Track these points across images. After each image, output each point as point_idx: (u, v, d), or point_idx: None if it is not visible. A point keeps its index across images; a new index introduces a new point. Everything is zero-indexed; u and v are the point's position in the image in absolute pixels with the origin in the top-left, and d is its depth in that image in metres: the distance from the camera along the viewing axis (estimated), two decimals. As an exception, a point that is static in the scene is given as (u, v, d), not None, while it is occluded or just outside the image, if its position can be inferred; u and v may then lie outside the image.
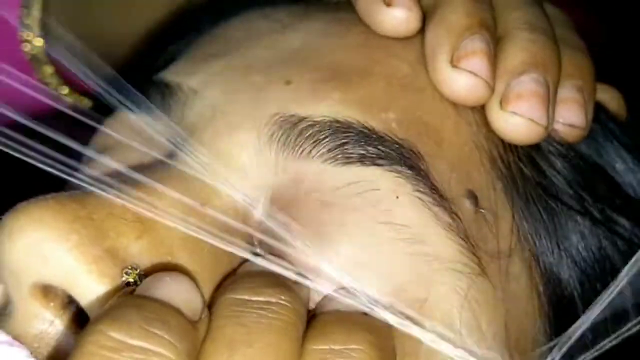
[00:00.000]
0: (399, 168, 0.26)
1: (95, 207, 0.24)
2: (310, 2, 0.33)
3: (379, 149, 0.26)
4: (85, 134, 0.33)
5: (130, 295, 0.23)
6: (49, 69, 0.44)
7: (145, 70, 0.32)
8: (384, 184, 0.26)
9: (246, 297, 0.23)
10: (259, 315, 0.22)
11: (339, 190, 0.26)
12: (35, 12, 0.42)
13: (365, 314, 0.24)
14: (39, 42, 0.43)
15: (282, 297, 0.23)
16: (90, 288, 0.23)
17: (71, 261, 0.23)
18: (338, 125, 0.26)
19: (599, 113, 0.33)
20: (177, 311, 0.22)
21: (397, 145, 0.26)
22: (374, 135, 0.26)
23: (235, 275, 0.25)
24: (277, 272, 0.25)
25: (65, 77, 0.44)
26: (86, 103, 0.45)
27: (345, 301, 0.25)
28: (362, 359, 0.22)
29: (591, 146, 0.31)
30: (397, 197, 0.26)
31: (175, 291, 0.22)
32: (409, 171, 0.26)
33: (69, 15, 0.43)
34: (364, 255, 0.25)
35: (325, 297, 0.25)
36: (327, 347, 0.22)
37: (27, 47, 0.43)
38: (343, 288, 0.25)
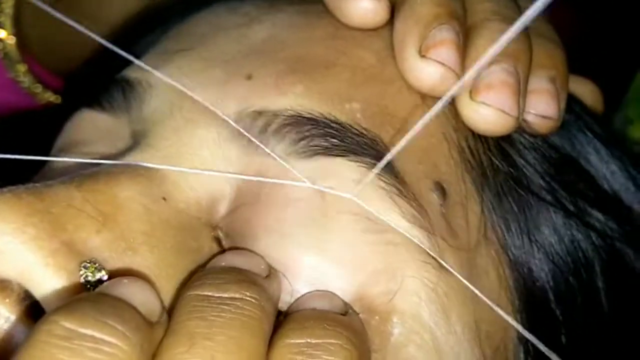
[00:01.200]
0: (363, 158, 0.25)
1: (54, 200, 0.24)
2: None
3: (342, 141, 0.26)
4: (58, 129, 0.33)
5: (87, 292, 0.22)
6: (22, 67, 0.43)
7: (111, 66, 0.31)
8: (348, 174, 0.25)
9: (210, 294, 0.22)
10: (221, 310, 0.22)
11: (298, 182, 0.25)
12: (8, 9, 0.42)
13: (342, 314, 0.24)
14: (11, 40, 0.42)
15: (247, 294, 0.22)
16: (46, 282, 0.23)
17: (27, 255, 0.23)
18: (300, 118, 0.26)
19: (574, 105, 0.33)
20: (132, 307, 0.21)
21: (360, 136, 0.26)
22: (338, 126, 0.26)
23: (201, 272, 0.25)
24: (244, 267, 0.24)
25: (37, 75, 0.44)
26: (59, 100, 0.44)
27: (320, 301, 0.24)
28: (339, 353, 0.22)
29: (565, 138, 0.31)
30: (361, 187, 0.25)
31: (132, 292, 0.22)
32: (373, 161, 0.25)
33: (41, 13, 0.43)
34: (331, 247, 0.25)
35: (301, 298, 0.25)
36: (304, 340, 0.22)
37: (-1, 46, 0.42)
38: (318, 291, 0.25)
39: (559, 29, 0.32)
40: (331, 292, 0.25)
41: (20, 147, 0.38)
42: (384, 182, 0.25)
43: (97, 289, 0.23)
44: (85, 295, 0.22)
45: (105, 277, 0.23)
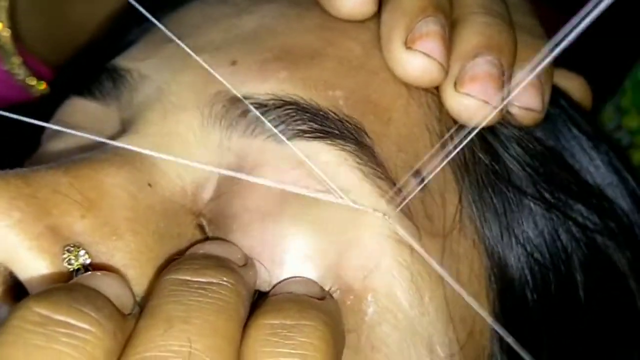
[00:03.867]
0: (342, 142, 0.26)
1: (40, 185, 0.24)
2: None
3: (322, 125, 0.26)
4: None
5: (62, 283, 0.23)
6: (16, 60, 0.43)
7: (103, 56, 0.32)
8: (326, 156, 0.26)
9: (187, 278, 0.23)
10: (198, 294, 0.22)
11: (279, 166, 0.26)
12: (3, 2, 0.42)
13: (319, 298, 0.24)
14: (6, 32, 0.43)
15: (224, 279, 0.23)
16: (30, 264, 0.23)
17: (12, 237, 0.23)
18: (282, 102, 0.26)
19: (560, 99, 0.33)
20: (106, 297, 0.22)
21: (340, 121, 0.26)
22: (319, 112, 0.26)
23: (179, 258, 0.25)
24: (222, 255, 0.25)
25: (31, 67, 0.44)
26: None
27: (297, 287, 0.25)
28: (314, 335, 0.22)
29: (549, 131, 0.31)
30: (338, 168, 0.26)
31: (106, 284, 0.23)
32: (351, 144, 0.26)
33: (35, 5, 0.43)
34: (307, 227, 0.25)
35: (279, 283, 0.25)
36: (278, 321, 0.22)
37: (-7, 38, 0.42)
38: (296, 277, 0.25)
39: (550, 24, 0.33)
40: (309, 279, 0.25)
41: (15, 138, 0.38)
42: (362, 164, 0.26)
43: (71, 281, 0.23)
44: (60, 285, 0.22)
45: (88, 261, 0.24)
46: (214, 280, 0.23)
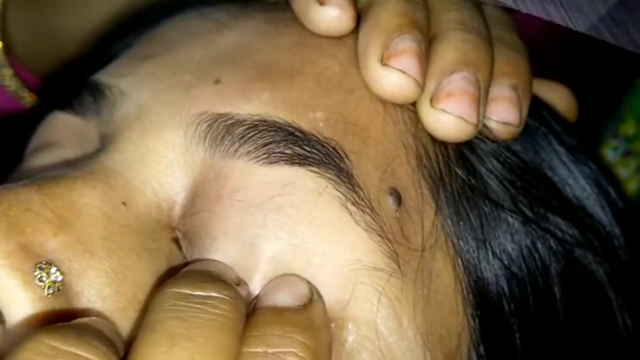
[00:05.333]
0: (322, 168, 0.26)
1: (12, 204, 0.24)
2: (249, 2, 0.33)
3: (303, 149, 0.26)
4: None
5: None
6: (7, 72, 0.44)
7: (86, 70, 0.32)
8: (306, 184, 0.26)
9: (188, 291, 0.23)
10: (199, 310, 0.22)
11: (261, 190, 0.26)
12: (-5, 15, 0.43)
13: (305, 305, 0.24)
14: (-3, 45, 0.43)
15: (225, 292, 0.23)
16: (1, 282, 0.23)
17: None
18: (265, 124, 0.27)
19: (542, 110, 0.33)
20: (106, 335, 0.23)
21: (321, 145, 0.26)
22: (300, 135, 0.27)
23: (176, 275, 0.25)
24: (218, 273, 0.25)
25: (22, 78, 0.44)
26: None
27: (282, 294, 0.25)
28: None
29: (528, 144, 0.31)
30: (319, 197, 0.26)
31: (101, 325, 0.24)
32: (331, 171, 0.26)
33: (27, 18, 0.43)
34: (284, 257, 0.26)
35: (265, 289, 0.26)
36: (262, 350, 0.23)
37: (-15, 51, 0.43)
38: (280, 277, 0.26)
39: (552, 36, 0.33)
40: (295, 277, 0.26)
41: (4, 149, 0.39)
42: (340, 190, 0.26)
43: (73, 321, 0.23)
44: (66, 323, 0.23)
45: (60, 279, 0.24)
46: (215, 294, 0.23)
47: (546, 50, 0.33)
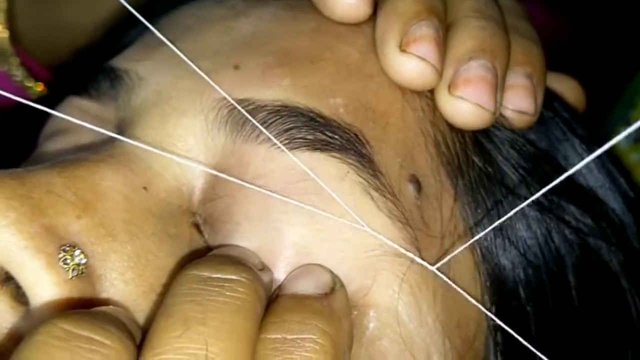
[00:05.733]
0: (344, 154, 0.26)
1: (35, 185, 0.24)
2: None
3: (325, 135, 0.26)
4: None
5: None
6: (14, 61, 0.44)
7: (101, 56, 0.32)
8: (328, 169, 0.26)
9: (207, 274, 0.23)
10: (216, 293, 0.22)
11: (283, 176, 0.26)
12: (1, 4, 0.42)
13: (326, 294, 0.24)
14: (4, 34, 0.43)
15: (243, 275, 0.23)
16: (25, 264, 0.23)
17: (8, 237, 0.23)
18: (286, 110, 0.27)
19: (554, 101, 0.34)
20: (121, 321, 0.23)
21: (342, 131, 0.26)
22: (321, 121, 0.27)
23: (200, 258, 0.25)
24: (241, 257, 0.25)
25: (29, 68, 0.44)
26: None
27: (305, 282, 0.25)
28: (313, 349, 0.22)
29: (542, 133, 0.31)
30: (341, 182, 0.26)
31: (119, 313, 0.23)
32: (352, 156, 0.26)
33: (33, 7, 0.43)
34: (307, 242, 0.26)
35: (288, 277, 0.26)
36: (280, 336, 0.22)
37: (-8, 40, 0.43)
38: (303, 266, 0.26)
39: (554, 34, 0.33)
40: (318, 266, 0.25)
41: (12, 138, 0.38)
42: (362, 176, 0.26)
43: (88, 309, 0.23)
44: (81, 309, 0.23)
45: (84, 261, 0.24)
46: (233, 277, 0.23)
47: (546, 46, 0.34)
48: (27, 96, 0.45)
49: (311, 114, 0.27)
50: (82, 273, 0.24)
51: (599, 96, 0.39)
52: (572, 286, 0.29)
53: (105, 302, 0.25)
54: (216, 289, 0.22)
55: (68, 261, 0.24)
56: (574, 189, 0.31)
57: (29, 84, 0.45)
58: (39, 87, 0.45)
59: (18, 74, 0.44)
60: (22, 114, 0.45)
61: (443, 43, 0.28)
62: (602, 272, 0.31)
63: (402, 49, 0.28)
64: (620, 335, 0.31)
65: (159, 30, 0.31)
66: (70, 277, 0.24)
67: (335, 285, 0.25)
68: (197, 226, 0.27)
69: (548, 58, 0.31)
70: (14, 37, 0.43)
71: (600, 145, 0.33)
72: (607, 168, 0.33)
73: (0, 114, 0.46)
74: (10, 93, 0.44)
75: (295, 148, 0.26)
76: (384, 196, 0.26)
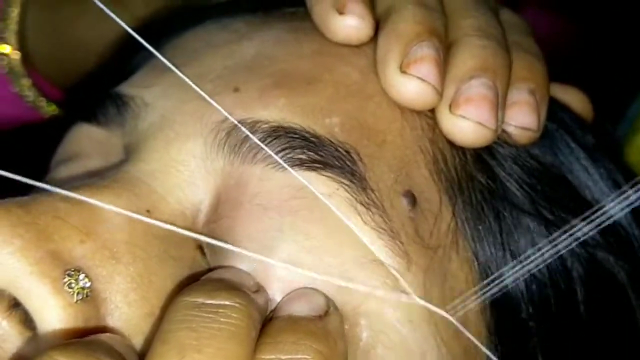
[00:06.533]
0: (335, 172, 0.26)
1: (40, 212, 0.25)
2: (268, 12, 0.33)
3: (318, 154, 0.27)
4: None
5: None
6: (26, 82, 0.44)
7: (107, 81, 0.32)
8: (318, 187, 0.26)
9: (201, 300, 0.23)
10: (210, 319, 0.23)
11: (278, 195, 0.26)
12: (12, 25, 0.43)
13: (320, 316, 0.25)
14: (16, 55, 0.44)
15: (237, 300, 0.23)
16: (32, 289, 0.24)
17: (14, 264, 0.24)
18: (282, 130, 0.27)
19: (560, 114, 0.34)
20: (117, 351, 0.23)
21: (335, 149, 0.27)
22: (315, 141, 0.27)
23: (194, 283, 0.25)
24: (236, 280, 0.25)
25: (41, 88, 0.45)
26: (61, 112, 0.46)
27: (299, 305, 0.25)
28: None
29: (547, 148, 0.31)
30: (329, 200, 0.26)
31: (114, 342, 0.24)
32: (343, 174, 0.26)
33: (44, 29, 0.44)
34: (302, 259, 0.26)
35: (282, 300, 0.26)
36: (274, 356, 0.23)
37: (4, 60, 0.44)
38: (297, 290, 0.26)
39: (561, 41, 0.33)
40: (312, 290, 0.26)
41: (24, 159, 0.39)
42: (350, 194, 0.26)
43: (85, 338, 0.24)
44: (77, 339, 0.23)
45: (88, 285, 0.24)
46: (227, 303, 0.23)
47: (554, 52, 0.34)
48: (39, 115, 0.46)
49: (305, 134, 0.27)
50: (87, 296, 0.24)
51: (608, 100, 0.39)
52: (579, 300, 0.29)
53: (102, 329, 0.25)
54: (210, 315, 0.23)
55: (73, 285, 0.24)
56: (579, 203, 0.31)
57: (41, 104, 0.45)
58: (52, 108, 0.45)
59: (30, 94, 0.45)
60: (34, 134, 0.46)
61: (444, 63, 0.29)
62: (609, 286, 0.31)
63: (403, 70, 0.28)
64: (628, 348, 0.31)
65: (164, 55, 0.31)
66: (75, 300, 0.24)
67: (329, 309, 0.25)
68: (200, 248, 0.27)
69: (554, 64, 0.31)
70: (26, 58, 0.44)
71: (607, 154, 0.33)
72: (614, 179, 0.33)
73: (11, 133, 0.46)
74: (22, 113, 0.45)
75: (290, 167, 0.27)
76: (370, 210, 0.26)
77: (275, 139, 0.27)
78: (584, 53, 0.58)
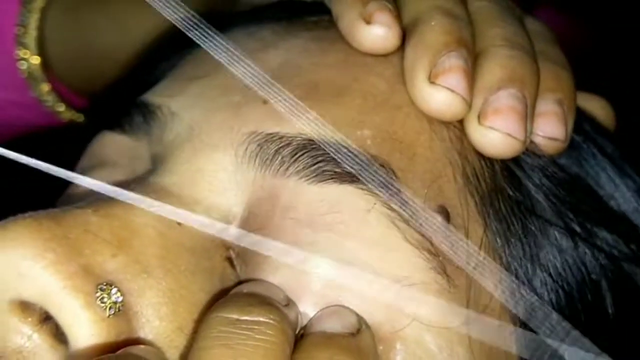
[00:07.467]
0: (370, 185, 0.26)
1: (72, 226, 0.25)
2: (292, 20, 0.33)
3: (352, 167, 0.26)
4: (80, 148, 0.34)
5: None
6: (45, 87, 0.44)
7: (132, 90, 0.32)
8: (355, 201, 0.26)
9: (235, 316, 0.23)
10: (246, 336, 0.23)
11: (312, 209, 0.26)
12: (32, 30, 0.43)
13: (353, 334, 0.25)
14: (35, 60, 0.44)
15: (271, 316, 0.23)
16: (64, 304, 0.24)
17: (47, 278, 0.24)
18: (314, 143, 0.27)
19: (585, 124, 0.33)
20: None
21: (370, 163, 0.27)
22: (349, 153, 0.27)
23: (225, 297, 0.25)
24: (267, 294, 0.25)
25: (60, 94, 0.45)
26: (82, 119, 0.46)
27: (331, 322, 0.25)
28: None
29: (573, 158, 0.31)
30: (367, 215, 0.26)
31: (147, 354, 0.24)
32: (380, 188, 0.26)
33: (64, 34, 0.44)
34: (335, 275, 0.26)
35: (314, 317, 0.26)
36: None
37: (23, 66, 0.44)
38: (329, 307, 0.26)
39: (573, 44, 0.33)
40: (344, 308, 0.26)
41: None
42: (389, 208, 0.26)
43: (118, 352, 0.23)
44: (110, 355, 0.23)
45: (120, 299, 0.24)
46: (262, 319, 0.23)
47: (568, 53, 0.33)
48: (57, 121, 0.46)
49: (339, 146, 0.27)
50: (119, 311, 0.24)
51: (623, 99, 0.39)
52: (609, 312, 0.29)
53: (135, 341, 0.25)
54: (245, 332, 0.23)
55: (105, 299, 0.24)
56: (606, 214, 0.31)
57: (60, 109, 0.45)
58: (74, 115, 0.45)
59: (49, 99, 0.45)
60: (54, 140, 0.46)
61: (472, 73, 0.28)
62: (638, 297, 0.30)
63: (431, 80, 0.28)
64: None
65: (191, 63, 0.31)
66: (107, 315, 0.24)
67: (362, 327, 0.25)
68: (230, 260, 0.27)
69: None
70: (45, 63, 0.44)
71: (633, 165, 0.33)
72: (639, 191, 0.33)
73: (30, 138, 0.46)
74: (41, 118, 0.45)
75: (323, 181, 0.26)
76: (411, 227, 0.26)
77: (307, 152, 0.27)
78: (594, 49, 0.58)
